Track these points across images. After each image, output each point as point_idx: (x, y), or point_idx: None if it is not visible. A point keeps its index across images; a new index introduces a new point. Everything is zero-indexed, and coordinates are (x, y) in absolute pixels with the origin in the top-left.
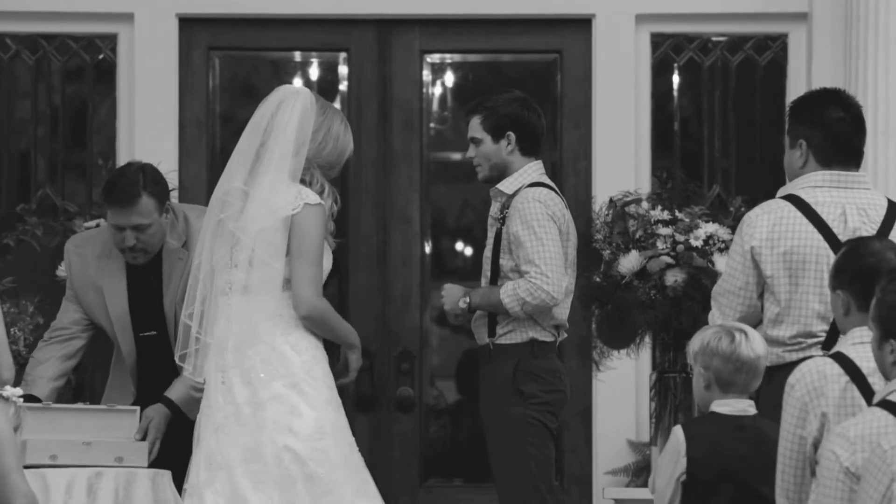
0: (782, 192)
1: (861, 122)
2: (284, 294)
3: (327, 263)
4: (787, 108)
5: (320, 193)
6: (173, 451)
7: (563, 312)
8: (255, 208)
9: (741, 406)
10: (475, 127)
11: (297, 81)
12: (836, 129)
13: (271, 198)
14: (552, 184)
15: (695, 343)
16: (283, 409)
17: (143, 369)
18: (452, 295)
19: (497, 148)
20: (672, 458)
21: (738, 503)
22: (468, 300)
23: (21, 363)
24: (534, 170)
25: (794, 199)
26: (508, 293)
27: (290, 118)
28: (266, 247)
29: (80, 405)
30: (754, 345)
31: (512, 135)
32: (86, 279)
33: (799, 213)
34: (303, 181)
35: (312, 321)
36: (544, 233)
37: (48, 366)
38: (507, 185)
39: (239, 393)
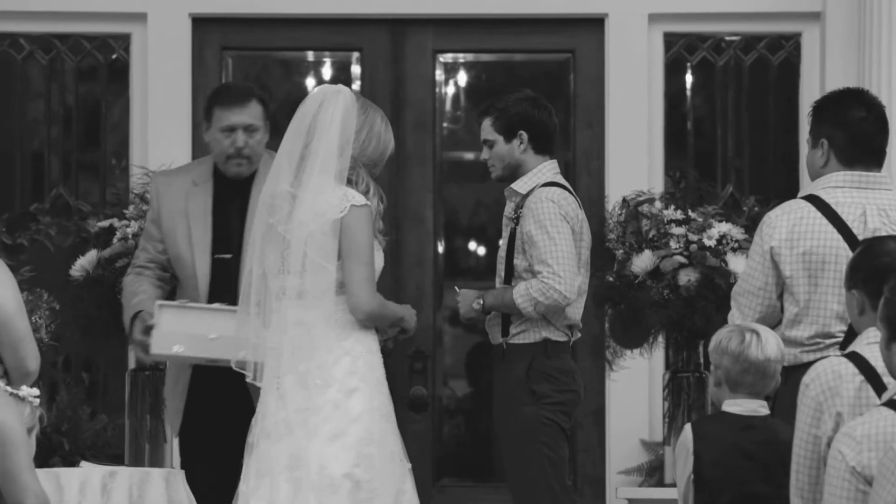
0: (803, 192)
1: (884, 122)
2: (339, 298)
3: (379, 262)
4: (810, 108)
5: (366, 193)
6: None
7: (576, 312)
8: (303, 212)
9: (752, 406)
10: (487, 129)
11: (310, 81)
12: (858, 129)
13: (318, 200)
14: (566, 183)
15: (712, 341)
16: (336, 415)
17: (215, 295)
18: (467, 298)
19: (510, 148)
20: (681, 455)
21: (743, 502)
22: (482, 301)
23: (43, 350)
24: (548, 169)
25: (814, 200)
26: (521, 293)
27: (332, 118)
28: (317, 251)
29: (216, 305)
30: (766, 347)
31: (524, 134)
32: (175, 208)
33: (819, 214)
34: (349, 181)
35: (371, 320)
36: (557, 232)
37: (147, 288)
38: (521, 185)
39: (292, 399)
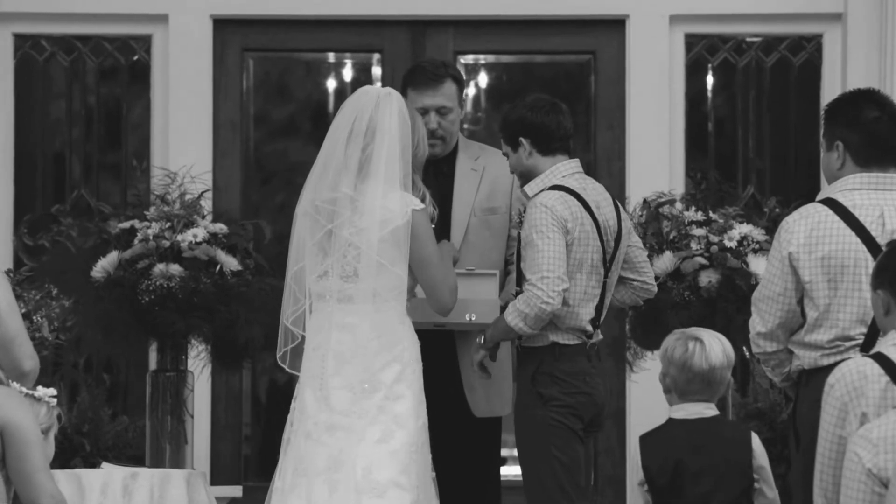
0: (821, 195)
1: None
2: (392, 304)
3: None
4: (822, 111)
5: (422, 199)
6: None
7: (579, 317)
8: (365, 218)
9: (696, 410)
10: (502, 143)
11: (331, 83)
12: (872, 129)
13: (384, 206)
14: (575, 185)
15: (661, 347)
16: (382, 419)
17: None
18: (474, 344)
19: (517, 157)
20: (632, 468)
21: (697, 502)
22: (482, 338)
23: (48, 348)
24: (560, 170)
25: (832, 203)
26: (510, 312)
27: (390, 121)
28: (387, 256)
29: (468, 269)
30: (710, 356)
31: (524, 140)
32: None
33: (836, 217)
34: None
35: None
36: (542, 241)
37: None
38: (531, 188)
39: (337, 402)
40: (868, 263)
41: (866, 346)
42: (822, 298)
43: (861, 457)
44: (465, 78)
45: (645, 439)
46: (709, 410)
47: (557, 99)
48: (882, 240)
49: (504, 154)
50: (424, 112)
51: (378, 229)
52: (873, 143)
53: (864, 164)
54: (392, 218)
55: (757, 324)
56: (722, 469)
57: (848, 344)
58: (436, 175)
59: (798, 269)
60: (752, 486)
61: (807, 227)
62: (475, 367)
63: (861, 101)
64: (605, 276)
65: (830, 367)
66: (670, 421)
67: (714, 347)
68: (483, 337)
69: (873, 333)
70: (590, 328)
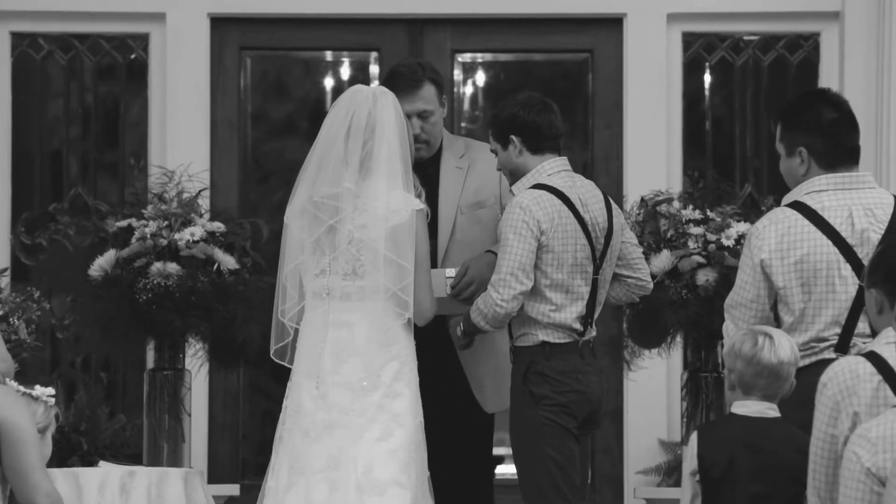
0: (787, 199)
1: (853, 119)
2: (389, 303)
3: None
4: (777, 116)
5: (419, 197)
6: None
7: (564, 317)
8: (371, 214)
9: (759, 408)
10: (491, 140)
11: (329, 81)
12: (833, 131)
13: (387, 203)
14: (560, 183)
15: (725, 345)
16: (382, 417)
17: None
18: (454, 323)
19: (507, 155)
20: (687, 457)
21: (747, 502)
22: (461, 327)
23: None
24: (546, 169)
25: (800, 207)
26: (474, 310)
27: (388, 119)
28: (389, 251)
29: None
30: (779, 350)
31: (514, 138)
32: None
33: (806, 221)
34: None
35: (427, 321)
36: (508, 243)
37: None
38: (517, 188)
39: (336, 400)
40: (840, 265)
41: (840, 346)
42: (797, 303)
43: (860, 456)
44: (461, 77)
45: (703, 429)
46: (771, 411)
47: (554, 98)
48: (852, 240)
49: (492, 151)
50: (406, 117)
51: (382, 225)
52: (838, 146)
53: (830, 167)
54: (394, 216)
55: (730, 329)
56: (774, 472)
57: (822, 345)
58: (422, 176)
59: (771, 275)
60: (804, 493)
61: (777, 232)
62: (456, 342)
63: (818, 104)
64: (596, 274)
65: (805, 369)
66: (731, 416)
67: (783, 343)
68: (460, 328)
69: (846, 333)
70: (579, 326)
